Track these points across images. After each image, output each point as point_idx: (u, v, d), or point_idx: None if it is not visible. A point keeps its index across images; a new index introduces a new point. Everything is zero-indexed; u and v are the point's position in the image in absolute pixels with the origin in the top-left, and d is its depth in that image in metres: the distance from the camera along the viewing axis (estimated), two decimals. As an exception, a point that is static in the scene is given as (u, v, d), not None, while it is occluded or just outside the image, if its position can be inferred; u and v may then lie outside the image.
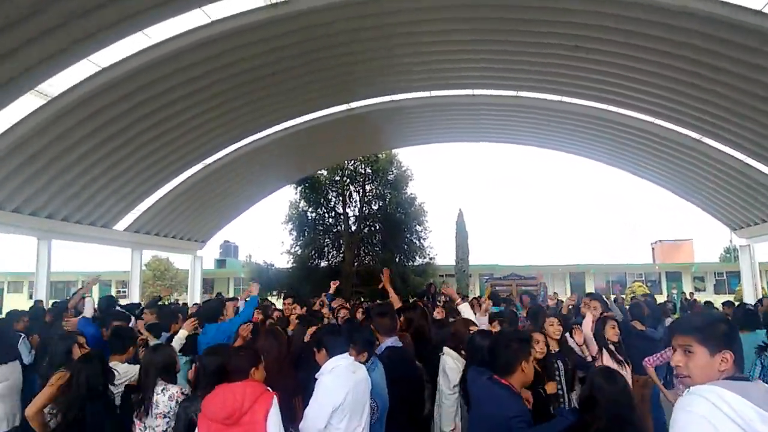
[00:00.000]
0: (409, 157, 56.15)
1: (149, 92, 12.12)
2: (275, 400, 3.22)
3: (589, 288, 37.03)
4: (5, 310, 8.35)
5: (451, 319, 6.19)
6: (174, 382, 3.93)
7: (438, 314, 6.80)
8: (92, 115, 11.84)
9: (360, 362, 3.75)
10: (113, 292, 37.34)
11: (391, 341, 4.45)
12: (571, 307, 7.22)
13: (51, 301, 13.44)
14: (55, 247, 15.09)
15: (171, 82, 12.11)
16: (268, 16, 10.91)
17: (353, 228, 26.79)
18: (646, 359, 5.66)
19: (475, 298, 13.45)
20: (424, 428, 4.64)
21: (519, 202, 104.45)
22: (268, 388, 3.33)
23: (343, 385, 3.34)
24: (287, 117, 16.71)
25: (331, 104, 16.77)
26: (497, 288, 22.48)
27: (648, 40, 11.49)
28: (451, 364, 4.53)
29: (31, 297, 25.25)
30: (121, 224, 17.17)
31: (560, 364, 4.79)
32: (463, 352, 4.51)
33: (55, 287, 28.76)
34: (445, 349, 4.69)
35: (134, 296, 19.20)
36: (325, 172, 26.36)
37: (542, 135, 19.94)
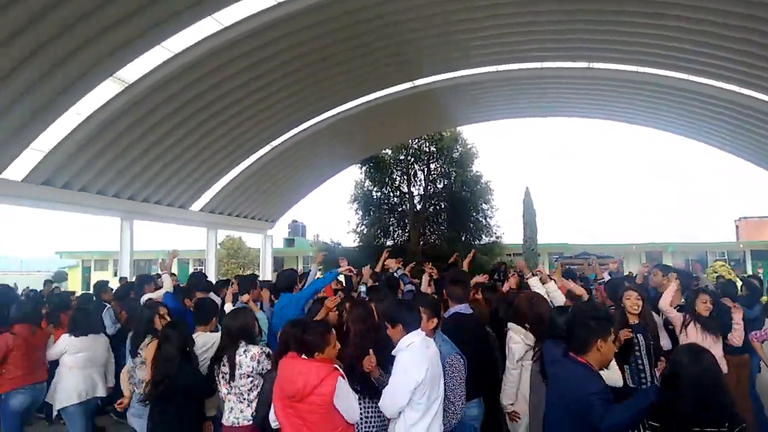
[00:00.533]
0: (474, 134, 55.25)
1: (219, 76, 12.49)
2: (341, 380, 3.26)
3: (667, 268, 35.19)
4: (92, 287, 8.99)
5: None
6: (254, 343, 4.10)
7: (511, 285, 6.70)
8: (167, 99, 12.34)
9: (430, 329, 3.80)
10: (191, 270, 39.27)
11: (462, 308, 4.47)
12: (646, 274, 6.86)
13: (134, 278, 14.32)
14: (137, 226, 16.01)
15: (239, 65, 12.42)
16: (330, -3, 10.93)
17: (418, 207, 26.76)
18: (753, 334, 5.33)
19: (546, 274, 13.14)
20: (494, 395, 4.61)
21: (590, 179, 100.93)
22: (339, 365, 3.40)
23: (422, 360, 3.33)
24: (351, 97, 16.80)
25: (395, 83, 16.69)
26: (568, 267, 21.88)
27: (732, 3, 10.67)
28: (516, 338, 4.48)
29: (115, 274, 26.98)
30: (197, 205, 17.94)
31: (640, 338, 4.60)
32: (527, 326, 4.45)
33: (137, 265, 30.51)
34: (510, 324, 4.64)
35: (210, 274, 20.07)
36: (389, 152, 26.39)
37: (614, 107, 19.05)
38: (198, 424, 4.25)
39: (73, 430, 5.21)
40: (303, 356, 3.35)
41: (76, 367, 5.21)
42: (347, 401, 3.28)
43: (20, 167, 11.59)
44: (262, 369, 3.92)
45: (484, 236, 26.72)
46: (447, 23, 13.03)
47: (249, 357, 3.94)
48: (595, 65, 16.10)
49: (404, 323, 3.50)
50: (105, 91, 11.27)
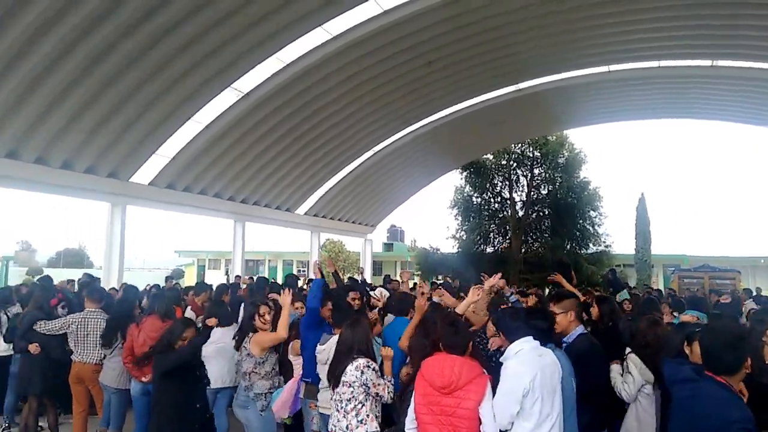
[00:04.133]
0: (582, 138, 52.80)
1: (327, 84, 12.90)
2: (489, 385, 3.25)
3: (803, 285, 31.56)
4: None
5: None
6: (365, 354, 4.11)
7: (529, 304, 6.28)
8: (278, 108, 12.94)
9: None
10: (294, 271, 40.94)
11: (581, 329, 4.18)
12: None
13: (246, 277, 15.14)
14: (247, 228, 16.91)
15: (345, 73, 12.74)
16: (436, 2, 10.90)
17: (520, 213, 26.01)
18: None
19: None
20: (612, 417, 4.31)
21: (711, 185, 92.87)
22: (484, 370, 3.35)
23: (529, 368, 3.20)
24: (453, 102, 16.65)
25: (498, 86, 16.32)
26: (686, 281, 20.27)
27: None
28: (638, 362, 4.17)
29: (226, 273, 28.67)
30: (302, 208, 18.64)
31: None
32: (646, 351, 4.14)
33: (247, 265, 32.38)
34: (630, 354, 4.36)
35: (313, 275, 20.74)
36: (491, 157, 25.89)
37: (740, 108, 17.38)
38: None
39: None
40: (452, 354, 3.38)
41: (210, 357, 5.48)
42: (491, 413, 3.24)
43: (147, 172, 12.67)
44: (366, 380, 3.89)
45: (591, 245, 25.44)
46: (555, 23, 12.54)
47: (354, 366, 3.95)
48: (720, 63, 14.78)
49: (504, 332, 3.44)
50: (223, 101, 12.02)
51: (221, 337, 5.54)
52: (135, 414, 5.63)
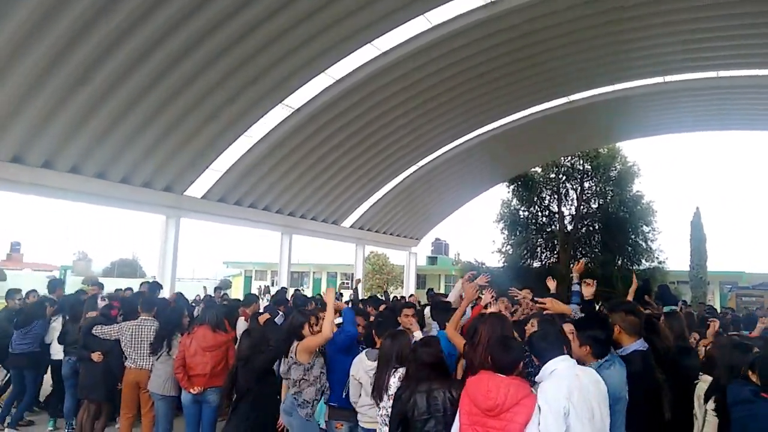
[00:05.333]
0: (635, 150, 51.44)
1: (374, 99, 13.01)
2: (538, 406, 3.11)
3: None
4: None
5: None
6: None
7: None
8: (327, 123, 13.12)
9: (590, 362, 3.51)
10: (338, 284, 41.20)
11: (639, 344, 3.94)
12: None
13: (292, 289, 15.35)
14: (294, 240, 17.13)
15: (393, 88, 12.83)
16: (487, 15, 10.86)
17: (569, 228, 25.46)
18: None
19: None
20: None
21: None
22: (532, 390, 3.25)
23: (565, 386, 3.08)
24: (501, 115, 16.50)
25: (548, 98, 16.08)
26: (745, 299, 19.31)
27: None
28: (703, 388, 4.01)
29: (273, 284, 29.11)
30: (348, 221, 18.77)
31: None
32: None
33: (292, 276, 32.84)
34: (702, 376, 4.15)
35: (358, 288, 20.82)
36: (539, 170, 25.50)
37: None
38: None
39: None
40: (499, 374, 3.28)
41: None
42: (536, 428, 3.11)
43: (200, 186, 13.05)
44: None
45: (644, 260, 24.66)
46: (613, 33, 12.26)
47: (397, 377, 3.94)
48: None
49: (538, 353, 3.34)
50: (274, 116, 12.27)
51: None
52: (186, 421, 5.75)
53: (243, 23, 9.17)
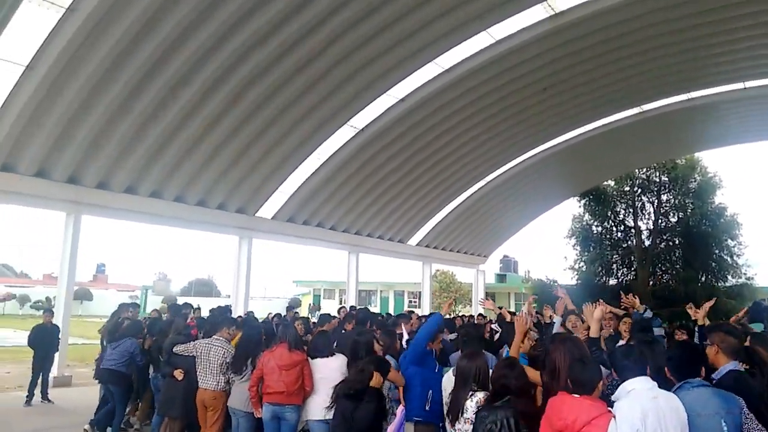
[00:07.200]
0: (716, 160, 48.50)
1: (437, 117, 13.02)
2: (614, 423, 3.01)
3: None
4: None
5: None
6: (485, 387, 3.97)
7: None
8: (391, 142, 13.26)
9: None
10: (406, 303, 41.09)
11: (734, 365, 3.68)
12: None
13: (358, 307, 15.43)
14: (361, 259, 17.27)
15: (455, 105, 12.80)
16: (551, 27, 10.66)
17: (646, 243, 24.24)
18: None
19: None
20: None
21: None
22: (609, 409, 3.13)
23: (639, 408, 2.98)
24: (568, 128, 16.04)
25: (619, 109, 15.50)
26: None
27: None
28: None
29: (341, 302, 29.41)
30: (413, 239, 18.74)
31: None
32: None
33: (359, 295, 33.15)
34: None
35: (425, 306, 20.71)
36: (612, 183, 24.51)
37: None
38: None
39: None
40: (575, 395, 3.19)
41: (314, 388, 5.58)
42: None
43: (270, 207, 13.49)
44: None
45: (730, 277, 23.02)
46: (689, 39, 11.71)
47: (474, 402, 3.82)
48: None
49: (617, 369, 3.27)
50: (340, 137, 12.53)
51: (321, 368, 5.60)
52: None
53: (308, 50, 9.51)
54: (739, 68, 13.36)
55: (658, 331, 5.44)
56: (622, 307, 6.16)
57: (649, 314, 5.57)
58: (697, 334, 5.39)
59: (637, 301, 5.84)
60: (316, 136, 11.89)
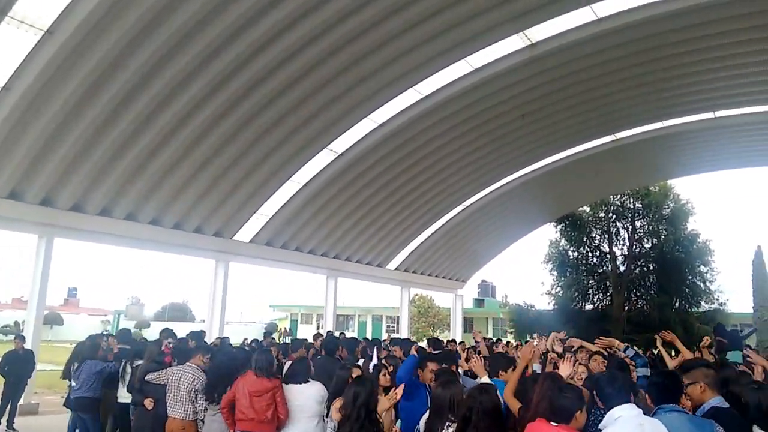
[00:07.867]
0: (688, 188, 49.59)
1: (417, 142, 13.16)
2: None
3: None
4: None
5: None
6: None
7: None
8: (370, 167, 13.32)
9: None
10: (384, 327, 40.79)
11: (718, 401, 3.64)
12: None
13: (337, 332, 15.24)
14: (339, 283, 17.14)
15: (434, 131, 12.98)
16: (528, 56, 10.92)
17: (621, 268, 24.55)
18: None
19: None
20: None
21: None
22: None
23: None
24: (545, 154, 16.34)
25: (594, 137, 15.86)
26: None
27: None
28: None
29: (318, 327, 29.08)
30: (392, 264, 18.71)
31: None
32: None
33: (337, 320, 32.86)
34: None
35: (403, 330, 20.59)
36: (587, 209, 24.87)
37: None
38: None
39: None
40: (553, 423, 3.13)
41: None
42: None
43: (248, 230, 13.35)
44: None
45: (703, 302, 23.37)
46: (661, 69, 12.09)
47: None
48: None
49: (602, 397, 3.26)
50: (319, 161, 12.55)
51: (297, 395, 5.47)
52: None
53: (288, 75, 9.57)
54: (710, 98, 13.81)
55: (642, 371, 5.04)
56: (605, 349, 5.95)
57: (630, 353, 5.31)
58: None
59: (616, 341, 5.62)
60: (296, 160, 11.89)
